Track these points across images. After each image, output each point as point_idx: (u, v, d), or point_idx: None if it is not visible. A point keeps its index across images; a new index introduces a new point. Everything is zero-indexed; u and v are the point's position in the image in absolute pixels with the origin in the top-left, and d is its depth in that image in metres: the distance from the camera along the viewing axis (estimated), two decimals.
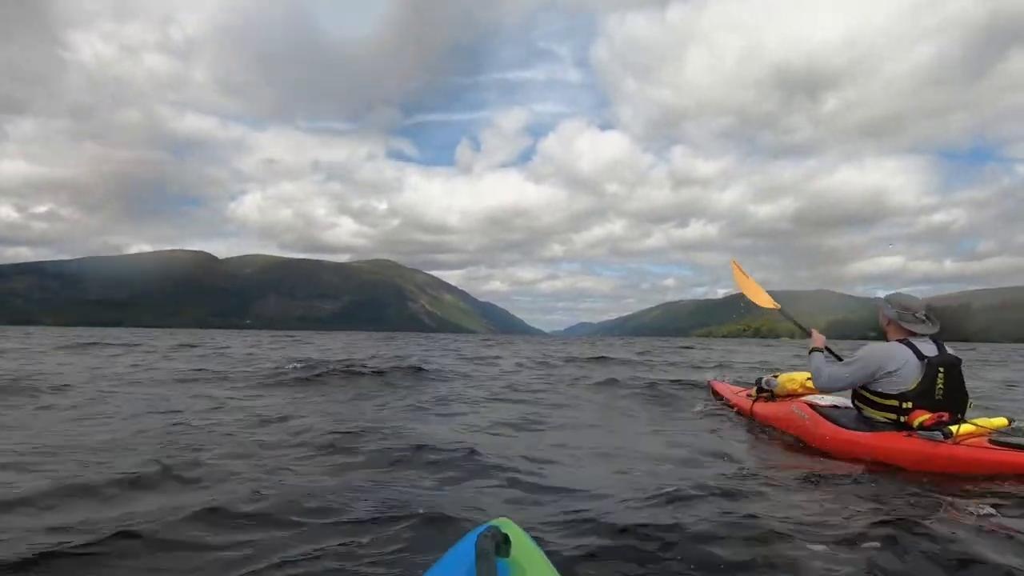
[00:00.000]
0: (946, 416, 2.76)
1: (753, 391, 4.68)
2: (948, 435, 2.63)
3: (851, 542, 1.90)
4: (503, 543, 0.94)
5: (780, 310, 4.75)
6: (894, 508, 2.25)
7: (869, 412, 3.08)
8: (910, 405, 2.84)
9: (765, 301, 4.85)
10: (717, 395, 5.84)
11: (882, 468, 2.78)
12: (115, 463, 2.85)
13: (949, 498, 2.32)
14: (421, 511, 2.15)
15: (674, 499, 2.37)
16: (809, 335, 3.66)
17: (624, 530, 2.00)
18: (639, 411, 5.47)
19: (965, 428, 2.66)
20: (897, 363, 2.89)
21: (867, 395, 3.06)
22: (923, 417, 2.76)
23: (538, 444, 3.74)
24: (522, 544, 1.01)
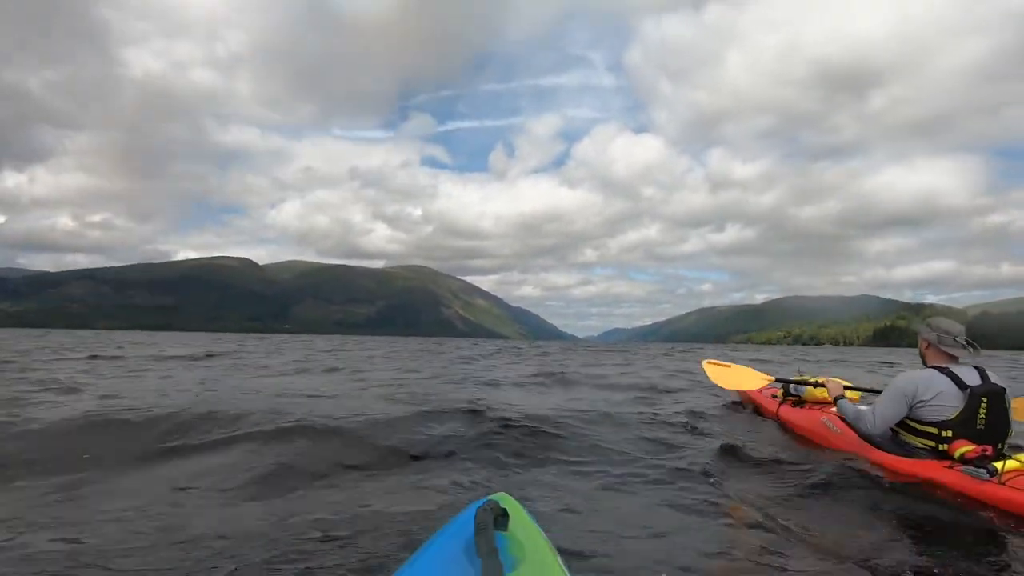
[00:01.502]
0: (990, 450, 2.67)
1: (779, 392, 4.51)
2: (993, 472, 2.51)
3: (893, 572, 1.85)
4: (501, 516, 1.03)
5: (776, 380, 4.60)
6: (934, 544, 2.14)
7: (906, 437, 2.96)
8: (950, 434, 2.74)
9: (757, 381, 4.66)
10: (741, 395, 5.61)
11: (918, 496, 2.63)
12: None
13: (993, 541, 2.18)
14: None
15: (697, 509, 2.37)
16: (823, 385, 3.78)
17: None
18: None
19: (1011, 464, 2.51)
20: (933, 391, 2.79)
21: (904, 420, 2.94)
22: (965, 449, 2.67)
23: None
24: (520, 518, 1.09)
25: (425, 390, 6.78)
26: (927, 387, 2.78)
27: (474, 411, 4.63)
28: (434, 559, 1.01)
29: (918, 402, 2.81)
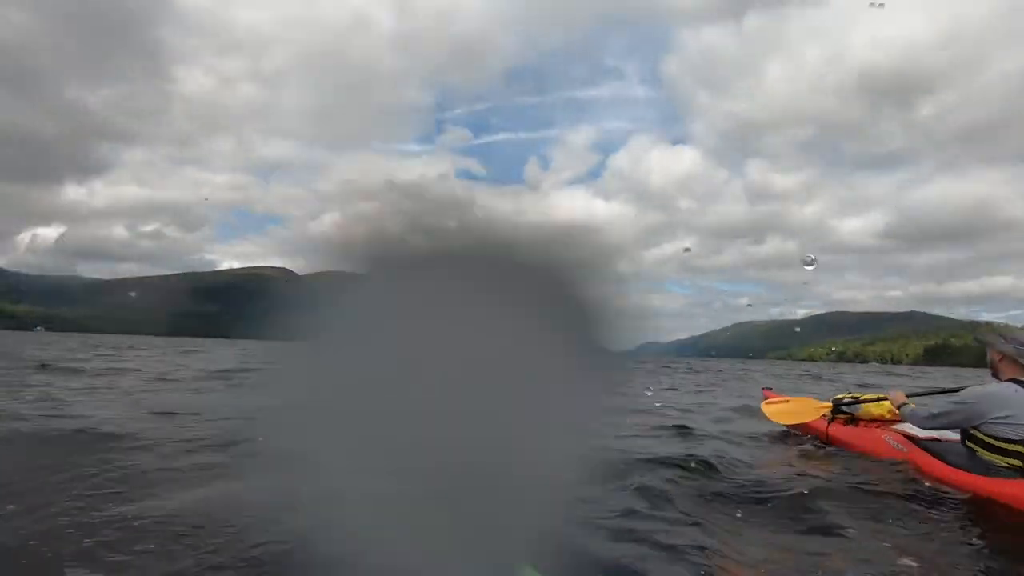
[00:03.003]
0: None
1: (828, 411, 4.07)
2: None
3: None
4: None
5: (835, 406, 4.11)
6: None
7: (986, 455, 2.75)
8: None
9: (817, 410, 4.26)
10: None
11: (1010, 520, 2.42)
12: None
13: None
14: None
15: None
16: (883, 399, 3.59)
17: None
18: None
19: None
20: (1012, 407, 2.64)
21: (982, 437, 2.75)
22: None
23: None
24: None
25: None
26: (1004, 402, 2.66)
27: None
28: None
29: (993, 418, 2.68)
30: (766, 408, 4.57)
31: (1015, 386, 2.70)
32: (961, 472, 2.80)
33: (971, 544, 2.18)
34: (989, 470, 2.72)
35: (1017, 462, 2.63)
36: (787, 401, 4.62)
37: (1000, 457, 2.70)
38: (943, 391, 3.47)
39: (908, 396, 3.41)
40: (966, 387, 3.00)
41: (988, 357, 2.90)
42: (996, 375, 2.85)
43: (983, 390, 2.78)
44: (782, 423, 4.46)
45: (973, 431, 2.83)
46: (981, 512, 2.50)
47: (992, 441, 2.71)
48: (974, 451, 2.82)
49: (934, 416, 2.91)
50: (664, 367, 20.19)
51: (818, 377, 16.88)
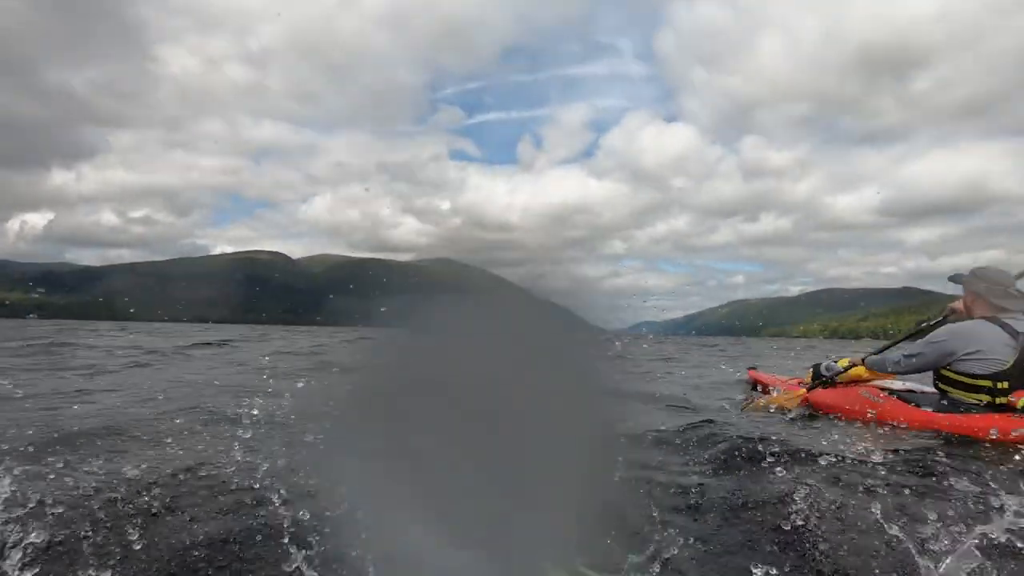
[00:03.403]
0: None
1: (807, 378, 4.19)
2: None
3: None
4: None
5: (814, 374, 4.09)
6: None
7: (957, 394, 2.82)
8: (1007, 386, 2.63)
9: (796, 397, 4.25)
10: (760, 386, 5.35)
11: (989, 451, 2.41)
12: None
13: None
14: None
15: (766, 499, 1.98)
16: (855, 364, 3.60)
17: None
18: None
19: None
20: (985, 342, 2.69)
21: (953, 376, 2.82)
22: None
23: None
24: None
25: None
26: (970, 339, 2.72)
27: None
28: None
29: (964, 354, 2.73)
30: (751, 407, 4.57)
31: (984, 322, 2.77)
32: (938, 414, 2.85)
33: (932, 484, 2.15)
34: (959, 408, 2.78)
35: (986, 396, 2.70)
36: (769, 392, 4.76)
37: (969, 394, 2.77)
38: (909, 335, 3.50)
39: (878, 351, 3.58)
40: (931, 329, 3.10)
41: (963, 300, 3.00)
42: (969, 315, 2.94)
43: (952, 328, 2.87)
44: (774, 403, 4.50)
45: (944, 371, 2.90)
46: (950, 449, 2.52)
47: (961, 378, 2.78)
48: (946, 392, 2.91)
49: (906, 357, 2.97)
50: (657, 344, 20.21)
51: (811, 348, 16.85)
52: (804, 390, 4.13)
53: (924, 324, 3.33)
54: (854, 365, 3.75)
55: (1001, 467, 2.27)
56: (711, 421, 3.67)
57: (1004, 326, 2.72)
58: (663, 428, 3.29)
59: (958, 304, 3.20)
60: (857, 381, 3.85)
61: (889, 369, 3.20)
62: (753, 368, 6.13)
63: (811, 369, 4.19)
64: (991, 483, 2.07)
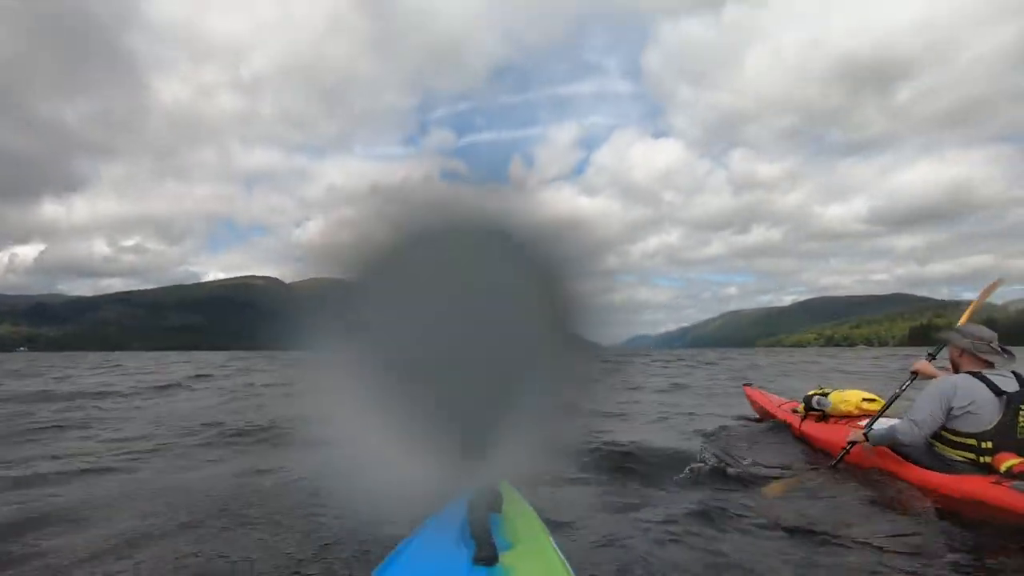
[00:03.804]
0: None
1: (800, 407, 4.24)
2: None
3: None
4: (496, 500, 1.20)
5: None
6: (984, 570, 1.97)
7: (942, 449, 2.81)
8: (990, 445, 2.63)
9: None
10: (754, 404, 5.50)
11: (963, 515, 2.45)
12: None
13: None
14: None
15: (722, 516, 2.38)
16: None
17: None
18: None
19: None
20: (970, 398, 2.69)
21: (940, 431, 2.80)
22: (1012, 462, 2.53)
23: None
24: (515, 502, 1.27)
25: None
26: (965, 393, 2.70)
27: None
28: (429, 539, 1.11)
29: (956, 409, 2.71)
30: (770, 492, 4.49)
31: (972, 377, 2.75)
32: (923, 470, 2.84)
33: (928, 543, 2.21)
34: (947, 464, 2.76)
35: (971, 455, 2.68)
36: (763, 408, 4.88)
37: (955, 451, 2.75)
38: (888, 404, 3.35)
39: (864, 401, 3.72)
40: (914, 390, 3.04)
41: (949, 355, 2.97)
42: (956, 370, 2.92)
43: (952, 379, 2.77)
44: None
45: None
46: (941, 509, 2.53)
47: (947, 435, 2.77)
48: (933, 445, 2.86)
49: (914, 423, 2.79)
50: (655, 361, 20.19)
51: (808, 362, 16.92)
52: (797, 479, 4.03)
53: (897, 392, 3.30)
54: (853, 444, 3.28)
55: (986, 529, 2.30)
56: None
57: (988, 383, 2.70)
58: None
59: (921, 365, 3.23)
60: (850, 417, 3.84)
61: (904, 440, 2.88)
62: (748, 384, 6.20)
63: (803, 402, 4.18)
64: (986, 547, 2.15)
